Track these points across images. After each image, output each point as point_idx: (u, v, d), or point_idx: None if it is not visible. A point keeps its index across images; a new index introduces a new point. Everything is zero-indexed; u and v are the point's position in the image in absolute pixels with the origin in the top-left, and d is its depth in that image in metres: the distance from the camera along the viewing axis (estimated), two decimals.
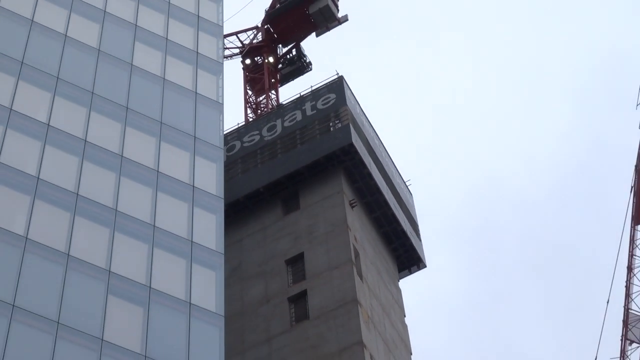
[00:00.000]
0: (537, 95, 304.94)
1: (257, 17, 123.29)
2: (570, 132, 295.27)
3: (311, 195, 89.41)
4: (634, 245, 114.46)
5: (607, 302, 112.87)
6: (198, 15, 77.02)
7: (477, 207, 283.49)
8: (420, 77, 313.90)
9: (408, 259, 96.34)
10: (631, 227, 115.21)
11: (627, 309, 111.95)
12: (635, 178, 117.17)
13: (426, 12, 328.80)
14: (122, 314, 54.73)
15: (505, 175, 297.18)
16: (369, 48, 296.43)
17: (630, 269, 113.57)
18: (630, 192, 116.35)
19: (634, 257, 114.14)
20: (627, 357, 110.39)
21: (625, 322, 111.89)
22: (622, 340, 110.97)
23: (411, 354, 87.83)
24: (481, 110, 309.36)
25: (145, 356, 52.94)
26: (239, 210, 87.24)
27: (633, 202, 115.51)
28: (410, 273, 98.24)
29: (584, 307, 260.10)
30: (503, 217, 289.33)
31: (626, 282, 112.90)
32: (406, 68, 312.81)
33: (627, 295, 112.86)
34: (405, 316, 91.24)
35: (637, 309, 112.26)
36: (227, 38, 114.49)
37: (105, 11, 72.87)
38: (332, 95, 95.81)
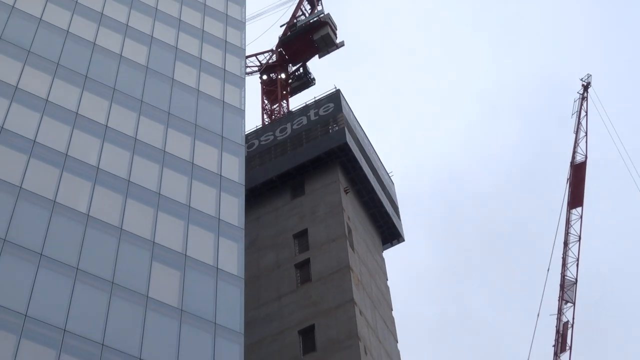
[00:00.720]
0: (493, 109, 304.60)
1: (272, 42, 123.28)
2: (519, 138, 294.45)
3: (314, 183, 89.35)
4: (569, 225, 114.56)
5: (548, 270, 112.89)
6: (226, 40, 76.63)
7: (445, 195, 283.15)
8: (401, 90, 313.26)
9: (390, 234, 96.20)
10: (567, 210, 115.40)
11: (563, 276, 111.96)
12: (570, 172, 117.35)
13: (405, 35, 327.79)
14: (163, 276, 54.53)
15: (467, 171, 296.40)
16: (360, 66, 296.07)
17: (565, 244, 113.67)
18: (567, 183, 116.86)
19: (569, 234, 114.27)
20: (563, 313, 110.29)
21: (562, 286, 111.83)
22: (559, 300, 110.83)
23: (392, 309, 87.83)
24: (450, 120, 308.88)
25: (182, 309, 52.77)
26: (257, 195, 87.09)
27: (568, 191, 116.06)
28: (392, 246, 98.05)
29: (530, 275, 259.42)
30: (465, 203, 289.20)
31: (563, 254, 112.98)
32: (390, 82, 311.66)
33: (564, 265, 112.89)
34: (387, 280, 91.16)
35: (571, 275, 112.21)
36: (249, 58, 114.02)
37: (152, 37, 72.46)
38: (331, 105, 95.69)
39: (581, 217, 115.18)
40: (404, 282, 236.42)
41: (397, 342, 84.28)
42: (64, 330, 48.01)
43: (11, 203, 52.31)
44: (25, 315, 46.41)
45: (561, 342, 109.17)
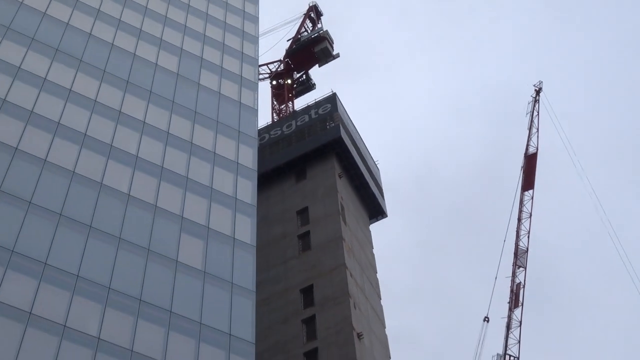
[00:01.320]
0: (461, 110, 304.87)
1: (280, 53, 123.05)
2: (483, 134, 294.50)
3: (314, 170, 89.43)
4: (522, 205, 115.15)
5: (504, 241, 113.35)
6: (242, 52, 76.35)
7: (421, 180, 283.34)
8: (387, 93, 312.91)
9: (375, 211, 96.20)
10: (521, 192, 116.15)
11: (517, 246, 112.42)
12: (524, 162, 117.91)
13: (390, 48, 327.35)
14: (190, 245, 54.71)
15: (440, 161, 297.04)
16: (353, 73, 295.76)
17: (519, 219, 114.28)
18: (521, 170, 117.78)
19: (522, 212, 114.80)
20: (516, 276, 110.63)
21: (516, 254, 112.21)
22: (513, 265, 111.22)
23: (376, 272, 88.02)
24: (426, 119, 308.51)
25: (205, 272, 52.86)
26: (267, 179, 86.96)
27: (522, 177, 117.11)
28: (377, 220, 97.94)
29: (490, 246, 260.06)
30: (438, 187, 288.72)
31: (517, 228, 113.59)
32: (378, 87, 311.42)
33: (517, 236, 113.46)
34: (373, 248, 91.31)
35: (523, 245, 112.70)
36: (261, 67, 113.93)
37: (182, 49, 72.51)
38: (328, 105, 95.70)
39: (532, 197, 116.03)
40: (386, 250, 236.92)
41: (380, 299, 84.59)
42: (109, 288, 48.31)
43: (65, 184, 52.82)
44: (78, 276, 47.20)
45: (514, 299, 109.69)
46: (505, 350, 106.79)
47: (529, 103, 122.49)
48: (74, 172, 53.81)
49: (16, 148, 52.89)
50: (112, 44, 67.52)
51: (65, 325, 44.41)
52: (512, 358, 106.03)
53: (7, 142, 53.05)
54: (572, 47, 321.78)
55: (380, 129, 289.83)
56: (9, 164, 51.59)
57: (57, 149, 54.68)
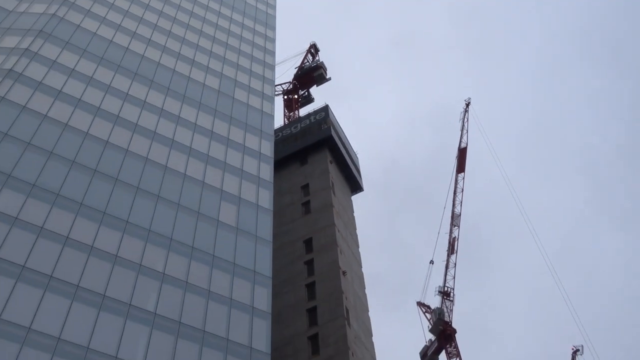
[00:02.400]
0: (417, 120, 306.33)
1: (290, 76, 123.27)
2: (431, 135, 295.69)
3: (313, 157, 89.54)
4: (457, 182, 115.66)
5: (444, 208, 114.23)
6: (264, 76, 76.42)
7: (388, 167, 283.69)
8: (364, 104, 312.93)
9: (355, 187, 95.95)
10: (455, 174, 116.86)
11: (453, 211, 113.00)
12: (457, 153, 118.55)
13: (368, 75, 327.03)
14: (228, 209, 54.42)
15: (400, 154, 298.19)
16: (341, 92, 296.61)
17: (454, 193, 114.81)
18: (455, 159, 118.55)
19: (456, 188, 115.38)
20: (452, 232, 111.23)
21: (452, 217, 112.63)
22: (450, 225, 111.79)
23: (356, 229, 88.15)
24: (393, 125, 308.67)
25: (237, 228, 52.96)
26: (280, 164, 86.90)
27: (456, 164, 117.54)
28: (356, 193, 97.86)
29: (435, 211, 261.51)
30: (399, 172, 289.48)
31: (453, 199, 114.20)
32: (358, 101, 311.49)
33: (453, 205, 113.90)
34: (353, 212, 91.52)
35: (457, 211, 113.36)
36: (277, 86, 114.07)
37: (208, 68, 72.64)
38: (323, 113, 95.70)
39: (463, 178, 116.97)
40: (363, 214, 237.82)
41: (358, 247, 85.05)
42: (171, 238, 48.30)
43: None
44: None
45: (451, 248, 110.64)
46: (445, 284, 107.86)
47: (461, 113, 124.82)
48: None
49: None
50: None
51: None
52: (449, 289, 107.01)
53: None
54: (496, 71, 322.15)
55: (359, 131, 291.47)
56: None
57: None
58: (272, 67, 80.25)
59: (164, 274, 44.54)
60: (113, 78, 59.98)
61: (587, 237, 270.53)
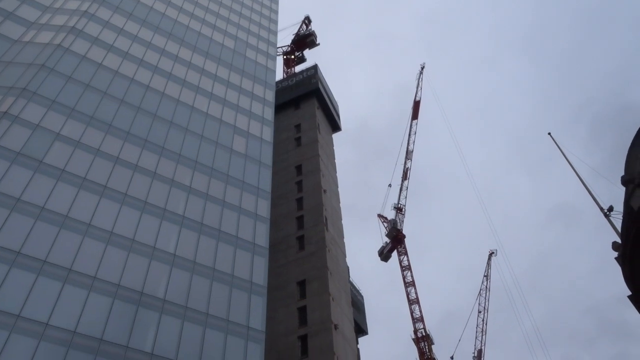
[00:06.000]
0: (383, 86, 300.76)
1: (288, 40, 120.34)
2: (394, 98, 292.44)
3: (304, 104, 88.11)
4: (411, 127, 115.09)
5: (398, 156, 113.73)
6: (268, 40, 74.68)
7: (360, 124, 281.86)
8: (344, 73, 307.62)
9: (335, 127, 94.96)
10: (410, 121, 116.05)
11: (407, 149, 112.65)
12: (413, 104, 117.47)
13: (348, 51, 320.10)
14: (239, 141, 53.41)
15: (371, 114, 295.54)
16: (327, 49, 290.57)
17: (409, 134, 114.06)
18: (411, 108, 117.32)
19: (411, 128, 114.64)
20: (406, 164, 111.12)
21: (407, 153, 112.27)
22: (405, 157, 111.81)
23: (335, 159, 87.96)
24: (366, 92, 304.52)
25: (246, 155, 52.64)
26: (279, 108, 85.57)
27: (411, 111, 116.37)
28: (335, 132, 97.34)
29: (393, 159, 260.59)
30: (369, 128, 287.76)
31: (408, 139, 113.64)
32: (340, 61, 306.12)
33: (408, 143, 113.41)
34: (333, 146, 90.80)
35: (410, 148, 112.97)
36: (278, 48, 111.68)
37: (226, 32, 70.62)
38: (313, 70, 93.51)
39: (417, 124, 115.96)
40: (342, 149, 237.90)
41: (336, 172, 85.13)
42: (195, 161, 47.73)
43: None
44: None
45: (404, 176, 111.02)
46: (399, 201, 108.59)
47: (417, 74, 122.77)
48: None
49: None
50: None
51: None
52: (401, 205, 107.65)
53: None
54: (450, 59, 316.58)
55: (342, 88, 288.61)
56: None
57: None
58: (275, 33, 78.26)
59: (190, 187, 44.67)
60: (153, 37, 58.33)
61: (506, 180, 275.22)
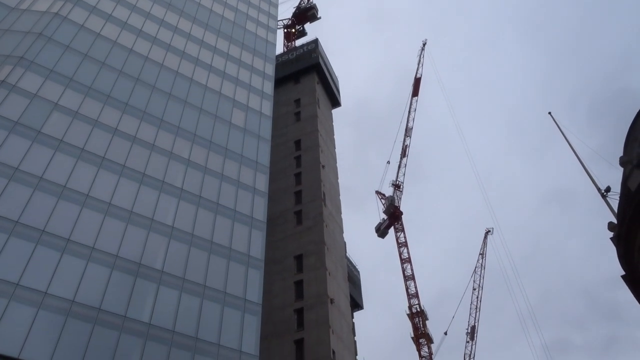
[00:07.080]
0: (384, 68, 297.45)
1: (289, 14, 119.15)
2: (395, 77, 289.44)
3: (304, 78, 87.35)
4: (411, 104, 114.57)
5: (397, 131, 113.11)
6: (269, 12, 73.85)
7: (360, 103, 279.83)
8: (346, 49, 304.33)
9: (335, 102, 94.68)
10: (411, 98, 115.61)
11: (407, 126, 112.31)
12: (414, 82, 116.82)
13: (349, 28, 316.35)
14: (238, 114, 53.35)
15: (370, 89, 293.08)
16: (326, 29, 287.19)
17: (409, 111, 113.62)
18: (412, 86, 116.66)
19: (411, 105, 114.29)
20: (405, 141, 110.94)
21: (406, 130, 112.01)
22: (404, 135, 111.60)
23: (334, 134, 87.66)
24: (366, 70, 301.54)
25: (245, 129, 52.34)
26: (280, 82, 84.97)
27: (412, 88, 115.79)
28: (335, 108, 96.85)
29: (394, 133, 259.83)
30: (367, 106, 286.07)
31: (407, 116, 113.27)
32: (341, 36, 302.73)
33: (407, 120, 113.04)
34: (333, 122, 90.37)
35: (410, 125, 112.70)
36: (279, 21, 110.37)
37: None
38: (313, 44, 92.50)
39: (417, 101, 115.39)
40: (340, 123, 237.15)
41: (335, 148, 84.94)
42: (194, 134, 47.61)
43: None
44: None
45: (403, 153, 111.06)
46: (397, 178, 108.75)
47: (418, 55, 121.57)
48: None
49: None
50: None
51: None
52: (399, 182, 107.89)
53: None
54: (451, 38, 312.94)
55: (343, 63, 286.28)
56: None
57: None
58: (275, 6, 77.35)
59: (189, 159, 44.54)
60: (152, 7, 57.50)
61: (503, 161, 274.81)
